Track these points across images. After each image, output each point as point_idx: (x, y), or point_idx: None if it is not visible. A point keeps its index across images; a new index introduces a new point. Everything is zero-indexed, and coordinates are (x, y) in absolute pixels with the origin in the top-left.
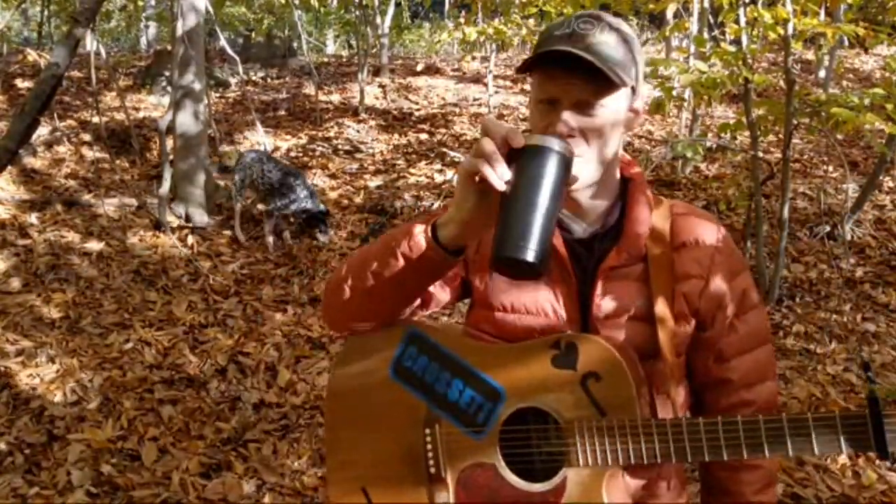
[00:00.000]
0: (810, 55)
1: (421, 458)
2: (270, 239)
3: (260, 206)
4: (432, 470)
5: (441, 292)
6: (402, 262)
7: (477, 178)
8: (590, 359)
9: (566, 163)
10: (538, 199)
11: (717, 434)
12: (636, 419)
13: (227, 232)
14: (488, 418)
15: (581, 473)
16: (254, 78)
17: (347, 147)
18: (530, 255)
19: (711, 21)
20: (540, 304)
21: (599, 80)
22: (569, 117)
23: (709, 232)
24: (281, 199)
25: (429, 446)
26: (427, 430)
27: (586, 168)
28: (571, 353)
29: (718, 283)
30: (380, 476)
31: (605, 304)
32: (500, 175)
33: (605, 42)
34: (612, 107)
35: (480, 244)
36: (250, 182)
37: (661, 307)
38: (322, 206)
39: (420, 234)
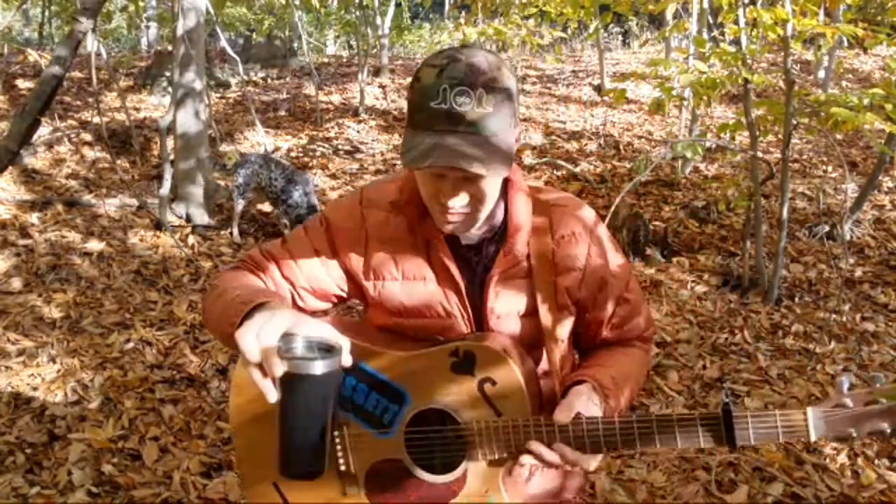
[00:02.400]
0: (809, 55)
1: (332, 457)
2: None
3: (269, 208)
4: (342, 468)
5: (318, 303)
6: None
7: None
8: (486, 366)
9: (332, 378)
10: (306, 422)
11: (596, 430)
12: (528, 418)
13: (228, 232)
14: (394, 419)
15: (480, 466)
16: (254, 78)
17: (348, 147)
18: (303, 472)
19: (711, 21)
20: (433, 307)
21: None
22: (459, 194)
23: (583, 224)
24: (283, 205)
25: (339, 446)
26: (335, 433)
27: (471, 223)
28: (469, 361)
29: (596, 271)
30: None
31: (496, 305)
32: (268, 394)
33: (485, 114)
34: (497, 172)
35: (368, 256)
36: (257, 186)
37: (544, 303)
38: (314, 204)
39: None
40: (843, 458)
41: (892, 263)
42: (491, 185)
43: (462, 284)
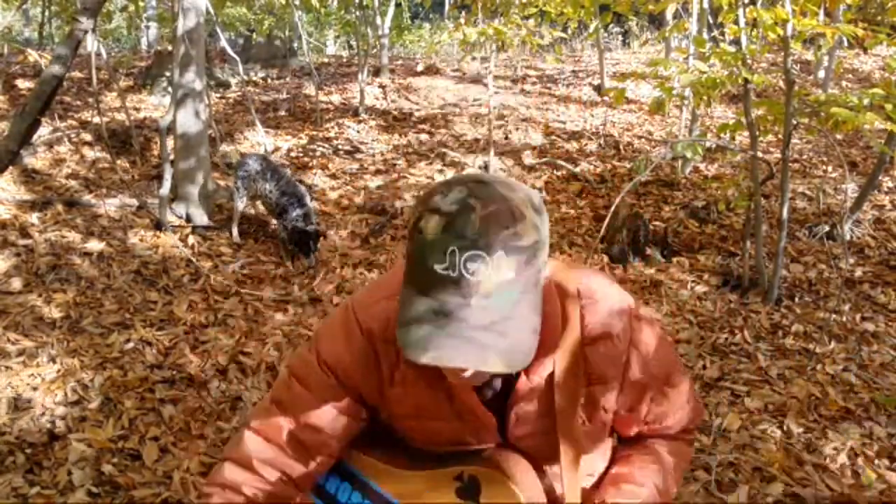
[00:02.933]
0: (809, 55)
1: None
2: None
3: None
4: None
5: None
6: None
7: None
8: (491, 493)
9: None
10: None
11: None
12: None
13: (227, 233)
14: None
15: None
16: (254, 78)
17: (348, 147)
18: None
19: (711, 21)
20: (459, 441)
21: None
22: (470, 376)
23: (618, 318)
24: (279, 218)
25: None
26: None
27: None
28: (473, 487)
29: (636, 377)
30: None
31: (516, 429)
32: None
33: (504, 281)
34: (521, 360)
35: (384, 396)
36: (254, 193)
37: (563, 421)
38: (312, 227)
39: None
40: (843, 458)
41: (892, 263)
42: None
43: (494, 422)
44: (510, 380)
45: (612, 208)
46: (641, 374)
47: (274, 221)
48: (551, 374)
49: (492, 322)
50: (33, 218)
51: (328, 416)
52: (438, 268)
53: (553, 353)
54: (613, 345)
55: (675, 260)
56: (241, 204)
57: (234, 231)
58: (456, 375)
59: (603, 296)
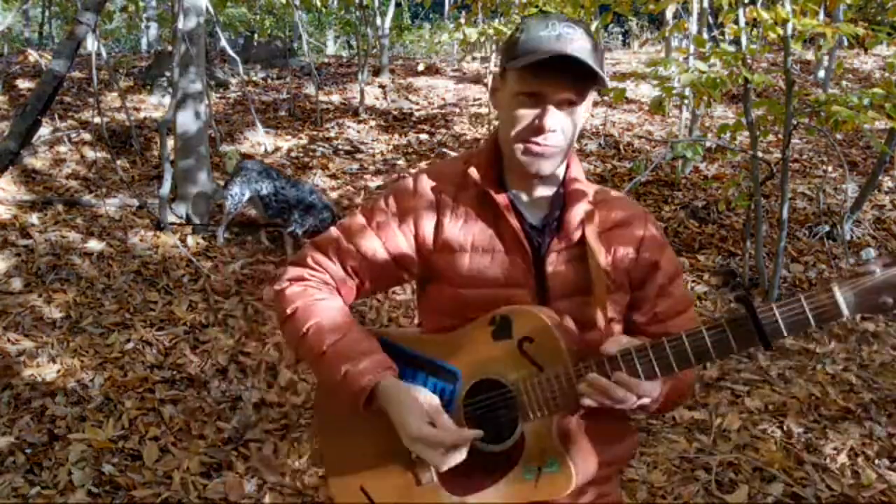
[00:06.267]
0: (810, 55)
1: (402, 446)
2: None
3: (282, 225)
4: (413, 456)
5: (385, 287)
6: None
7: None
8: (522, 326)
9: None
10: None
11: (633, 362)
12: (569, 367)
13: (227, 233)
14: (451, 398)
15: (534, 425)
16: (254, 78)
17: (348, 147)
18: None
19: (711, 21)
20: (499, 277)
21: (582, 83)
22: (554, 117)
23: (635, 213)
24: (301, 215)
25: None
26: None
27: (554, 162)
28: (506, 325)
29: (648, 254)
30: (371, 471)
31: (553, 284)
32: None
33: (586, 48)
34: (585, 107)
35: (439, 228)
36: (258, 198)
37: (598, 284)
38: (331, 206)
39: (359, 387)
40: (843, 458)
41: None
42: (579, 117)
43: (530, 253)
44: (543, 239)
45: None
46: (651, 249)
47: (294, 228)
48: (582, 248)
49: (586, 66)
50: (33, 218)
51: (377, 251)
52: (542, 32)
53: (581, 226)
54: (628, 226)
55: None
56: (234, 209)
57: (221, 233)
58: (539, 133)
59: (618, 198)
